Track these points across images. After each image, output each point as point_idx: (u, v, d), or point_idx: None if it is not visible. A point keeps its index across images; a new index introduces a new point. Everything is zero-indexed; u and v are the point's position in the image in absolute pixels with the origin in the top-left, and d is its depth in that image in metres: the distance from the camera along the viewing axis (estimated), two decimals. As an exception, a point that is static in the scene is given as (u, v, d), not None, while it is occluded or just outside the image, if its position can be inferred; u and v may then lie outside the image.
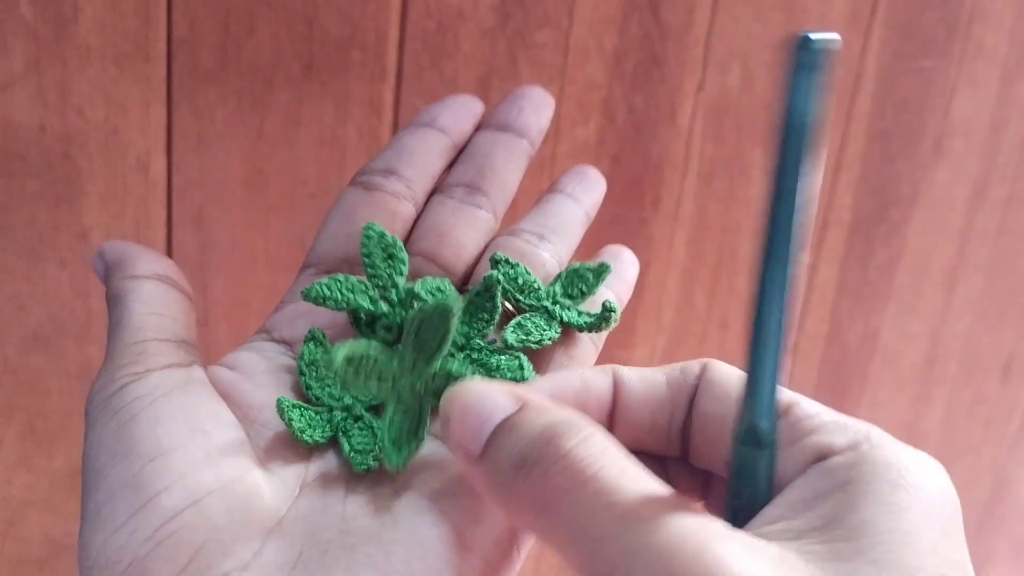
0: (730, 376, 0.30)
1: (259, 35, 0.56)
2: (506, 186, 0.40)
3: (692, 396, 0.30)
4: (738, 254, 0.72)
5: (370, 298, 0.34)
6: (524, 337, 0.35)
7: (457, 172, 0.40)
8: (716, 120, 0.67)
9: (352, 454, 0.31)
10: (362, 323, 0.35)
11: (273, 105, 0.57)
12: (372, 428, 0.32)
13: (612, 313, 0.37)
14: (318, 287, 0.34)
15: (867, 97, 0.71)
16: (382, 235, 0.35)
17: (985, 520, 0.91)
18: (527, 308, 0.36)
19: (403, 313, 0.34)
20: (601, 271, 0.38)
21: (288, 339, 0.35)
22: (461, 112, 0.42)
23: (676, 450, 0.31)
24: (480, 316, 0.35)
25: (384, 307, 0.34)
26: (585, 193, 0.42)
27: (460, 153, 0.41)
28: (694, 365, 0.30)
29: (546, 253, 0.39)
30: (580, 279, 0.38)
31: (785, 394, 0.28)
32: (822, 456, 0.26)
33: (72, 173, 0.55)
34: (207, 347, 0.60)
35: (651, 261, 0.70)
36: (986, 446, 0.87)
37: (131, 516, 0.27)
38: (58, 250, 0.56)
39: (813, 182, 0.25)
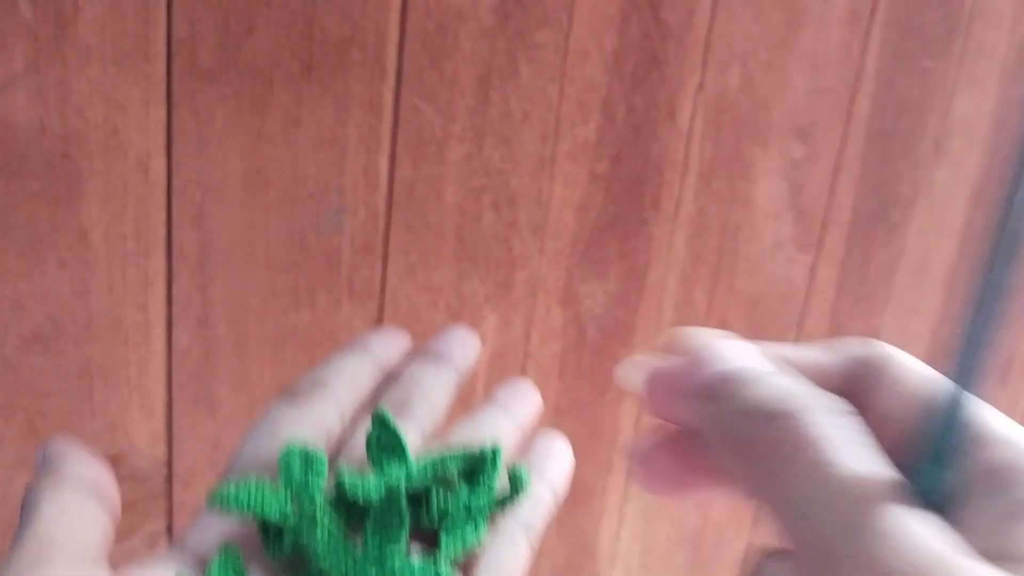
0: (912, 373, 0.28)
1: (259, 35, 0.56)
2: (435, 408, 0.39)
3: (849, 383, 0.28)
4: (738, 254, 0.72)
5: (281, 509, 0.30)
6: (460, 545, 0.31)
7: (386, 393, 0.39)
8: (716, 120, 0.67)
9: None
10: (271, 536, 0.31)
11: (273, 105, 0.57)
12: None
13: (520, 480, 0.32)
14: (224, 490, 0.30)
15: (867, 97, 0.71)
16: (303, 448, 0.32)
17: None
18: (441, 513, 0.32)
19: (314, 531, 0.30)
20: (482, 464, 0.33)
21: (203, 552, 0.32)
22: (390, 342, 0.41)
23: None
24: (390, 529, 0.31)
25: (293, 520, 0.30)
26: (519, 405, 0.41)
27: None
28: (856, 352, 0.28)
29: None
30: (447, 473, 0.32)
31: None
32: (1002, 482, 0.25)
33: (72, 173, 0.55)
34: (207, 347, 0.61)
35: (651, 261, 0.70)
36: (986, 446, 0.87)
37: None
38: (58, 250, 0.56)
39: None
